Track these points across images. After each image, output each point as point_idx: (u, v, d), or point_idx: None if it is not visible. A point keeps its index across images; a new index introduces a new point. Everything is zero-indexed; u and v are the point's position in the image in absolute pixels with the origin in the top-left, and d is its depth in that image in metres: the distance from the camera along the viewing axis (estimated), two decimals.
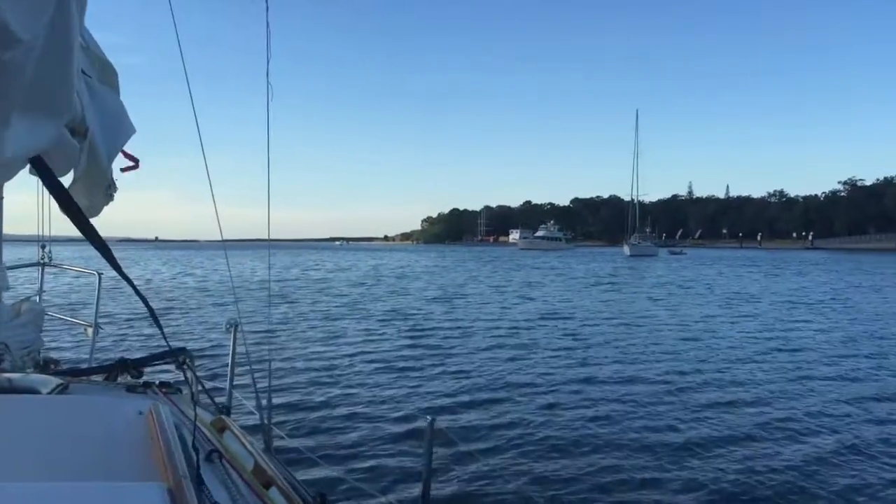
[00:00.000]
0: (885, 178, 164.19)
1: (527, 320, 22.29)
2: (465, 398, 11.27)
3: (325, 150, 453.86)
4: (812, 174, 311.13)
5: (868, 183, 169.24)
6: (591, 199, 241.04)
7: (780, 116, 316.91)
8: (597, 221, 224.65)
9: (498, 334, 18.99)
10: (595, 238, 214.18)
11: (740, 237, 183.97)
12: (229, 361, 4.88)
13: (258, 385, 5.31)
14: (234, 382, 4.87)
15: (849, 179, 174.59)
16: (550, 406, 10.83)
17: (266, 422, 5.01)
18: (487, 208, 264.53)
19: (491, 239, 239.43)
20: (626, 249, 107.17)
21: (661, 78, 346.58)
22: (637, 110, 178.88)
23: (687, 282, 44.02)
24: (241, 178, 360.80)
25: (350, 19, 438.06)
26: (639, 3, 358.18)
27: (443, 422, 8.71)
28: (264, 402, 5.19)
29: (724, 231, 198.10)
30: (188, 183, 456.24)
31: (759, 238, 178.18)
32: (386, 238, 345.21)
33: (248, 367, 5.42)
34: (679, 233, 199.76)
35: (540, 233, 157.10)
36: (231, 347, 4.88)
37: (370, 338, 18.04)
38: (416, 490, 6.12)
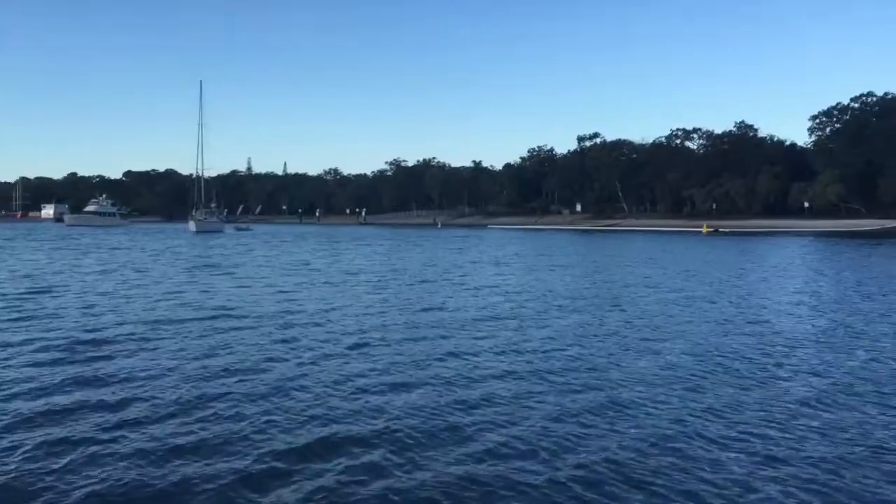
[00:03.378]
0: (425, 160, 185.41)
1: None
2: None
3: None
4: (363, 155, 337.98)
5: (410, 164, 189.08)
6: (147, 172, 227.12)
7: (332, 100, 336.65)
8: (153, 196, 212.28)
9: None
10: (153, 213, 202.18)
11: (300, 213, 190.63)
12: None
13: None
14: None
15: (394, 160, 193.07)
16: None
17: None
18: (24, 180, 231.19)
19: (18, 215, 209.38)
20: (192, 225, 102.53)
21: (222, 52, 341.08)
22: (201, 82, 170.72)
23: (304, 263, 43.11)
24: None
25: None
26: None
27: None
28: None
29: (284, 207, 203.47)
30: None
31: (317, 214, 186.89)
32: None
33: None
34: (240, 209, 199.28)
35: (90, 207, 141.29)
36: None
37: None
38: None
